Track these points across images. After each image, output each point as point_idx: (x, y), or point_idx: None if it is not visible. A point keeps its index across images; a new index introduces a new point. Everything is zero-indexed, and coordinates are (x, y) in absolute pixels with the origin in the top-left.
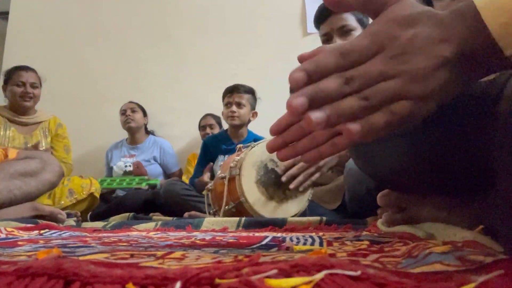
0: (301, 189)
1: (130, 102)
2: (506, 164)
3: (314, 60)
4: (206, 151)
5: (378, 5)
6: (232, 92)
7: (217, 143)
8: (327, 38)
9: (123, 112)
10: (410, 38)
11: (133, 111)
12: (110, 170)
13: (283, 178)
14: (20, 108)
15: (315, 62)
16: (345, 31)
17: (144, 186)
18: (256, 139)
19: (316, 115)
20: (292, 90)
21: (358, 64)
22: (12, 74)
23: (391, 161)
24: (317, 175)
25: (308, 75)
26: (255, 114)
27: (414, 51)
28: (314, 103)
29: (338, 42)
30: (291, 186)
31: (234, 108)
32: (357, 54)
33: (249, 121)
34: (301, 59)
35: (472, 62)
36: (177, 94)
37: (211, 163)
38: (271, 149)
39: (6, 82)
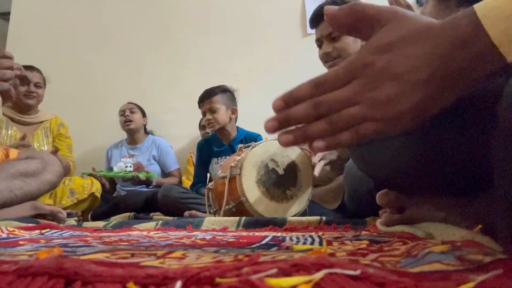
0: (316, 173)
1: (129, 103)
2: (505, 164)
3: (290, 90)
4: (201, 155)
5: (367, 28)
6: (202, 101)
7: (209, 146)
8: (319, 44)
9: (122, 113)
10: (382, 65)
11: (131, 111)
12: (110, 170)
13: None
14: (23, 106)
15: (291, 92)
16: (332, 38)
17: (142, 176)
18: (248, 135)
19: (283, 137)
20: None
21: (330, 92)
22: None
23: (390, 161)
24: (322, 162)
25: (285, 103)
26: (234, 111)
27: (385, 77)
28: (286, 125)
29: (327, 47)
30: (316, 172)
31: (208, 116)
32: (330, 83)
33: (231, 119)
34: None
35: (466, 71)
36: (177, 94)
37: None
38: (270, 128)
39: None
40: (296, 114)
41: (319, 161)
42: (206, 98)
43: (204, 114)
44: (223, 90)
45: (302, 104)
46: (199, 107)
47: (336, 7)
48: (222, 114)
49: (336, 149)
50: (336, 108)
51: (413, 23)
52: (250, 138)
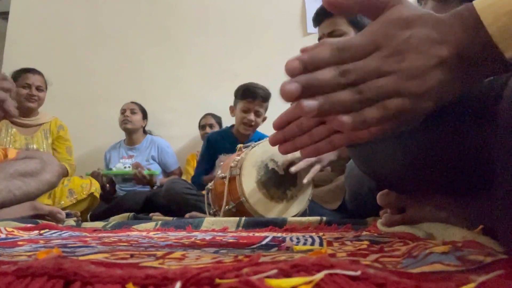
0: (305, 180)
1: (132, 102)
2: (506, 164)
3: (310, 52)
4: (210, 147)
5: (377, 7)
6: (255, 98)
7: (221, 140)
8: None
9: (122, 111)
10: (407, 38)
11: (132, 112)
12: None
13: (292, 169)
14: (23, 109)
15: (311, 54)
16: (334, 36)
17: (146, 173)
18: (261, 137)
19: (308, 103)
20: None
21: (354, 60)
22: (19, 75)
23: (390, 162)
24: (317, 166)
25: (304, 65)
26: (264, 119)
27: (411, 50)
28: (308, 91)
29: None
30: (292, 169)
31: (252, 117)
32: (354, 50)
33: None
34: (303, 51)
35: (471, 65)
36: (177, 94)
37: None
38: (272, 142)
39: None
40: (322, 78)
41: (313, 165)
42: (261, 98)
43: (245, 110)
44: (269, 98)
45: (327, 69)
46: (244, 100)
47: None
48: (261, 120)
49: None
50: (365, 78)
51: (419, 9)
52: None
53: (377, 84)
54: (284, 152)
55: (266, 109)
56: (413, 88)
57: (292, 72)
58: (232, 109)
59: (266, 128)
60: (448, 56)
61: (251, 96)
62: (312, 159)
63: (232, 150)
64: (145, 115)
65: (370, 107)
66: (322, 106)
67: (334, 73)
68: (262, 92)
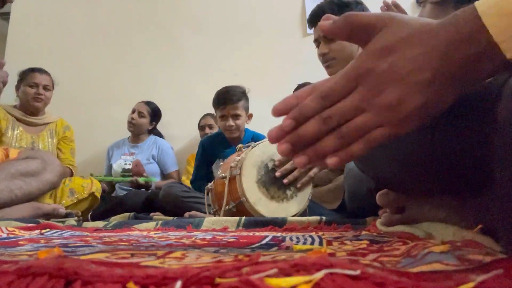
0: (299, 185)
1: (144, 103)
2: (505, 164)
3: (299, 107)
4: (205, 153)
5: (366, 32)
6: (225, 104)
7: (215, 145)
8: (317, 44)
9: (132, 111)
10: (384, 69)
11: (140, 115)
12: (109, 167)
13: (277, 174)
14: (30, 108)
15: (300, 109)
16: (329, 39)
17: (141, 180)
18: (254, 135)
19: (299, 160)
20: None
21: (337, 102)
22: (26, 75)
23: (390, 161)
24: (315, 170)
25: (296, 121)
26: (250, 117)
27: (388, 81)
28: (298, 146)
29: (323, 48)
30: (285, 180)
31: (231, 121)
32: (336, 94)
33: (246, 124)
34: (277, 109)
35: (466, 69)
36: (177, 94)
37: None
38: (272, 139)
39: (19, 82)
40: (307, 133)
41: (310, 168)
42: (231, 101)
43: (223, 117)
44: (244, 93)
45: (311, 122)
46: (218, 109)
47: (330, 21)
48: (243, 121)
49: None
50: (344, 119)
51: (411, 25)
52: (257, 140)
53: (356, 123)
54: (305, 164)
55: (245, 108)
56: (389, 119)
57: (286, 129)
58: (215, 118)
59: (258, 125)
60: (429, 79)
61: (221, 103)
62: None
63: (226, 153)
64: (153, 118)
65: (355, 143)
66: (311, 158)
67: (317, 123)
68: (232, 95)
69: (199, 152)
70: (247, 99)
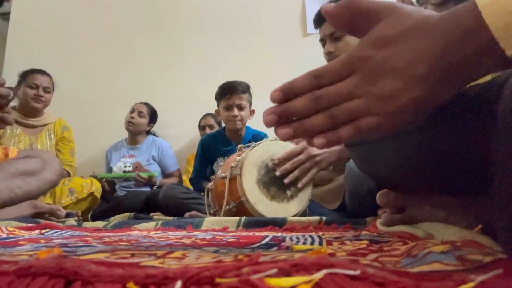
0: (299, 185)
1: (144, 104)
2: (505, 164)
3: (290, 81)
4: (205, 151)
5: (365, 23)
6: (231, 93)
7: (216, 143)
8: (323, 44)
9: (131, 111)
10: (382, 59)
11: (140, 115)
12: (110, 170)
13: (277, 173)
14: (29, 109)
15: (290, 84)
16: (335, 38)
17: (144, 175)
18: (255, 134)
19: (282, 131)
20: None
21: (331, 85)
22: (27, 76)
23: (390, 161)
24: (314, 170)
25: (284, 94)
26: (253, 112)
27: (385, 72)
28: (285, 119)
29: (329, 47)
30: (286, 180)
31: (236, 111)
32: (329, 76)
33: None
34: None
35: (465, 65)
36: (177, 94)
37: None
38: (268, 122)
39: (19, 83)
40: (295, 107)
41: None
42: (236, 92)
43: (227, 108)
44: (248, 87)
45: (301, 97)
46: (223, 98)
47: (333, 4)
48: (247, 114)
49: (336, 150)
50: (336, 102)
51: (413, 17)
52: (257, 138)
53: (348, 107)
54: (287, 137)
55: (249, 102)
56: (382, 109)
57: (274, 100)
58: (218, 113)
59: (258, 125)
60: (426, 73)
61: (228, 92)
62: (307, 164)
63: (227, 152)
64: (152, 119)
65: (344, 126)
66: (296, 131)
67: (307, 100)
68: (238, 85)
69: (199, 150)
70: (251, 95)
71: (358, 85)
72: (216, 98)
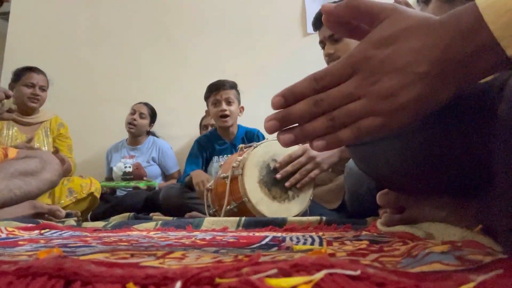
0: (299, 185)
1: (144, 104)
2: (505, 164)
3: (290, 87)
4: (201, 150)
5: (364, 29)
6: (218, 89)
7: (211, 143)
8: (322, 46)
9: (132, 112)
10: (383, 58)
11: (141, 117)
12: (110, 170)
13: (278, 176)
14: (26, 108)
15: (290, 89)
16: (334, 39)
17: (142, 186)
18: (248, 131)
19: (284, 137)
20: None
21: (332, 87)
22: (22, 74)
23: (390, 161)
24: (316, 171)
25: (285, 99)
26: (242, 109)
27: (385, 71)
28: (286, 124)
29: (329, 49)
30: (287, 184)
31: (224, 105)
32: (330, 78)
33: (238, 117)
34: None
35: (466, 65)
36: (177, 94)
37: None
38: (269, 128)
39: (14, 81)
40: (296, 112)
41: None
42: (224, 87)
43: (215, 103)
44: (235, 85)
45: (302, 102)
46: (211, 95)
47: (333, 4)
48: (236, 109)
49: (337, 151)
50: (337, 105)
51: (412, 17)
52: (250, 135)
53: (348, 109)
54: (288, 143)
55: (237, 98)
56: (383, 108)
57: (275, 106)
58: (207, 112)
59: (258, 126)
60: (427, 72)
61: (215, 88)
62: (309, 166)
63: (221, 151)
64: (152, 120)
65: (345, 129)
66: (298, 136)
67: (308, 105)
68: (225, 81)
69: (194, 147)
70: (238, 92)
71: (359, 86)
72: (205, 98)
